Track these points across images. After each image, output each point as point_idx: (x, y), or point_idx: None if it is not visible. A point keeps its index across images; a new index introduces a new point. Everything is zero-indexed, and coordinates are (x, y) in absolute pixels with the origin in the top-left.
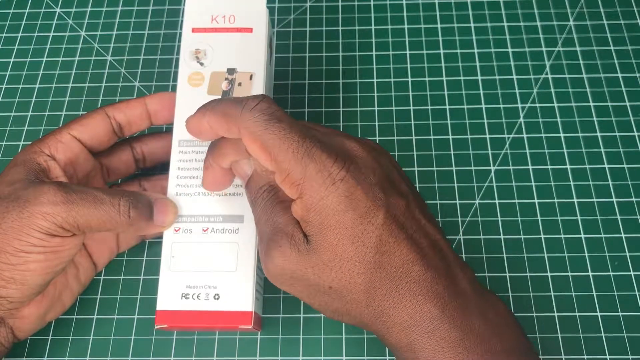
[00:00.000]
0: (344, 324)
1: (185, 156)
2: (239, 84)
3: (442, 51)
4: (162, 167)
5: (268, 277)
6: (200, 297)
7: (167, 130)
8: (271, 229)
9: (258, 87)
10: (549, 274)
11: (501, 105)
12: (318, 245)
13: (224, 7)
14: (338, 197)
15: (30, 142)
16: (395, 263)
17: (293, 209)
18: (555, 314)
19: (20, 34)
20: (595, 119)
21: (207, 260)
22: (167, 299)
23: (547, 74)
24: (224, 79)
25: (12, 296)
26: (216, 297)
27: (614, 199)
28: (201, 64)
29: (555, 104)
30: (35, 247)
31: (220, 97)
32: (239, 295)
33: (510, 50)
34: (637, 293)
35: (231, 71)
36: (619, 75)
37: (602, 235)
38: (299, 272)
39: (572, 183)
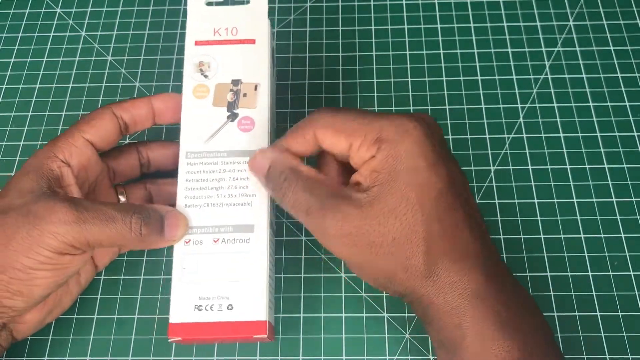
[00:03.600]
0: (343, 323)
1: (194, 167)
2: (244, 95)
3: (442, 51)
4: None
5: (328, 242)
6: (214, 308)
7: (167, 129)
8: (319, 199)
9: (263, 97)
10: (548, 274)
11: (501, 106)
12: (385, 192)
13: (226, 19)
14: (412, 143)
15: (33, 145)
16: (451, 221)
17: (367, 167)
18: (555, 314)
19: (20, 34)
20: (595, 119)
21: (219, 271)
22: (180, 311)
23: (546, 74)
24: (228, 90)
25: (17, 306)
26: (229, 307)
27: (614, 199)
28: (205, 76)
29: (555, 104)
30: (44, 265)
31: (225, 108)
32: (253, 305)
33: (510, 50)
34: (637, 293)
35: (236, 82)
36: (619, 75)
37: (602, 235)
38: (362, 227)
39: (571, 183)
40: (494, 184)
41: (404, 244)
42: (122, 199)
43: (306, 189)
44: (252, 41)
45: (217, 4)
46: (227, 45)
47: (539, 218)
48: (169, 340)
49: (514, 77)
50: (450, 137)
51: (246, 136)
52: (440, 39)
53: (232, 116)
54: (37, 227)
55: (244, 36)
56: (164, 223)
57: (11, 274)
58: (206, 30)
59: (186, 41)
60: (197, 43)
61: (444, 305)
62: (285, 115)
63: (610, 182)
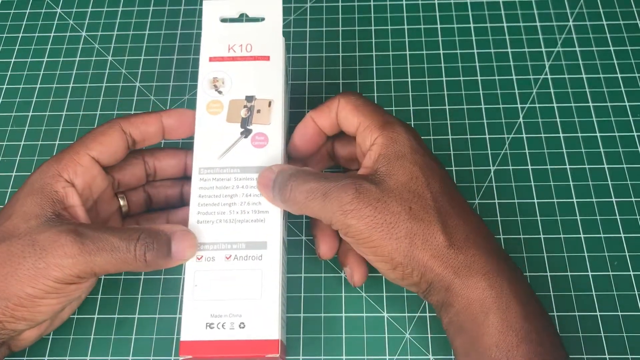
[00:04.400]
0: (343, 323)
1: (206, 184)
2: (258, 111)
3: (441, 51)
4: None
5: (347, 219)
6: (225, 326)
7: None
8: (335, 181)
9: (277, 113)
10: (548, 274)
11: (501, 106)
12: (395, 170)
13: (240, 36)
14: (413, 137)
15: (47, 160)
16: (458, 202)
17: (372, 154)
18: (555, 314)
19: (21, 35)
20: (594, 119)
21: (231, 289)
22: (192, 328)
23: (546, 74)
24: (242, 107)
25: (20, 329)
26: (241, 325)
27: (614, 199)
28: (219, 92)
29: (555, 104)
30: (49, 294)
31: (239, 124)
32: (265, 323)
33: (509, 50)
34: (636, 293)
35: (250, 98)
36: (619, 75)
37: (602, 235)
38: (381, 199)
39: (571, 183)
40: (494, 184)
41: (421, 213)
42: (122, 202)
43: (319, 178)
44: (267, 58)
45: (232, 20)
46: (242, 62)
47: (538, 218)
48: (180, 358)
49: (514, 77)
50: (450, 137)
51: (259, 152)
52: (440, 39)
53: (246, 132)
54: (42, 260)
55: (258, 53)
56: (170, 245)
57: (16, 301)
58: (221, 47)
59: (201, 57)
60: (211, 59)
61: (467, 281)
62: (288, 115)
63: (610, 182)
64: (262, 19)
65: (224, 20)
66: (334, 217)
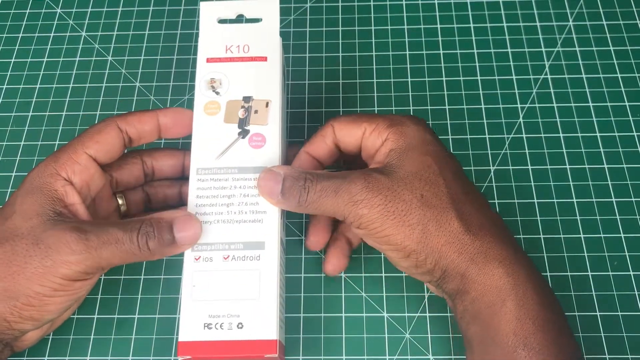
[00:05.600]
0: (343, 323)
1: (204, 184)
2: (255, 112)
3: (441, 52)
4: None
5: (358, 210)
6: (224, 327)
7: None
8: (346, 177)
9: (274, 113)
10: (548, 274)
11: (500, 106)
12: (406, 161)
13: (237, 37)
14: (423, 129)
15: (44, 159)
16: (471, 190)
17: (383, 150)
18: None
19: (21, 35)
20: (594, 119)
21: (229, 289)
22: (190, 329)
23: (546, 74)
24: (240, 107)
25: (26, 329)
26: (239, 326)
27: (613, 199)
28: (217, 93)
29: (555, 104)
30: (57, 292)
31: (236, 125)
32: (263, 324)
33: (509, 50)
34: (636, 293)
35: (247, 99)
36: (618, 75)
37: (602, 235)
38: (392, 188)
39: (571, 183)
40: (494, 184)
41: (434, 200)
42: (121, 201)
43: (330, 176)
44: (264, 58)
45: (230, 21)
46: (239, 63)
47: (538, 218)
48: (178, 359)
49: (514, 77)
50: (450, 137)
51: (257, 153)
52: (440, 39)
53: (243, 133)
54: (49, 257)
55: (255, 53)
56: (172, 231)
57: (24, 300)
58: (218, 48)
59: (198, 58)
60: (208, 60)
61: (484, 267)
62: (285, 116)
63: (609, 182)
64: (260, 20)
65: (221, 21)
66: (346, 210)
